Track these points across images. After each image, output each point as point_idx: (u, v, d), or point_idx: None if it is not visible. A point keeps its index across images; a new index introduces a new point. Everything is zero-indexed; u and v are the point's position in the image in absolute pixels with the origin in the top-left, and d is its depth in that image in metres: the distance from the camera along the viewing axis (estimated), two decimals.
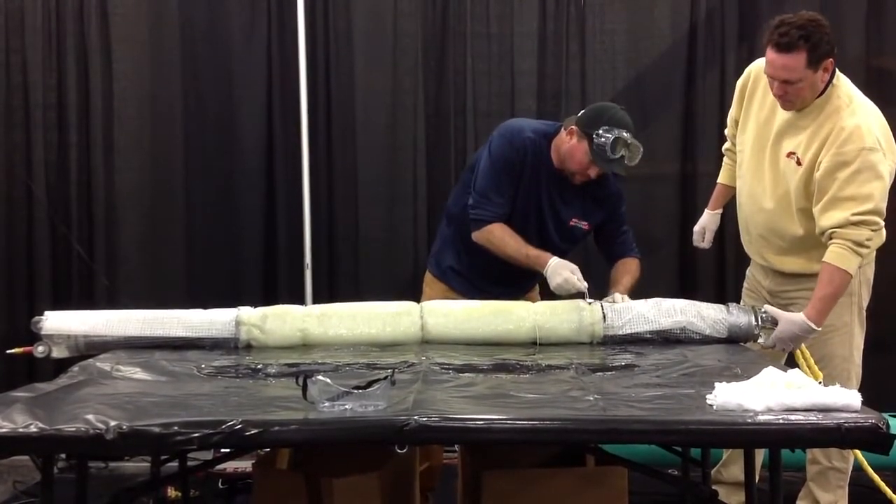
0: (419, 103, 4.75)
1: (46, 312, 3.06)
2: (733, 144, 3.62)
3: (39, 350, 3.01)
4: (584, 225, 3.56)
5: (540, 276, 3.63)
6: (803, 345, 3.22)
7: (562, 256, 3.47)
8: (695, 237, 3.78)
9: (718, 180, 3.76)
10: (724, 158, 3.73)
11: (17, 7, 4.78)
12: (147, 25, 4.80)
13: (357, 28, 4.77)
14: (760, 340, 3.12)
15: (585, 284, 3.31)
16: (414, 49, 4.76)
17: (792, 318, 3.15)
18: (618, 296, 3.34)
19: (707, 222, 3.74)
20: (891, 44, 4.67)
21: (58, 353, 3.01)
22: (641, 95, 4.75)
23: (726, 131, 3.69)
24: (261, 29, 4.77)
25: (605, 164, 3.36)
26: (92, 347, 3.00)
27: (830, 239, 3.15)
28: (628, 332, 3.08)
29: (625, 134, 3.32)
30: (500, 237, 3.44)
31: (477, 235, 3.48)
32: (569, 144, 3.40)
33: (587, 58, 4.74)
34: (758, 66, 3.39)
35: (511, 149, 3.45)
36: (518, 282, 3.60)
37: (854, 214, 3.11)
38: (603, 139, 3.31)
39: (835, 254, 3.13)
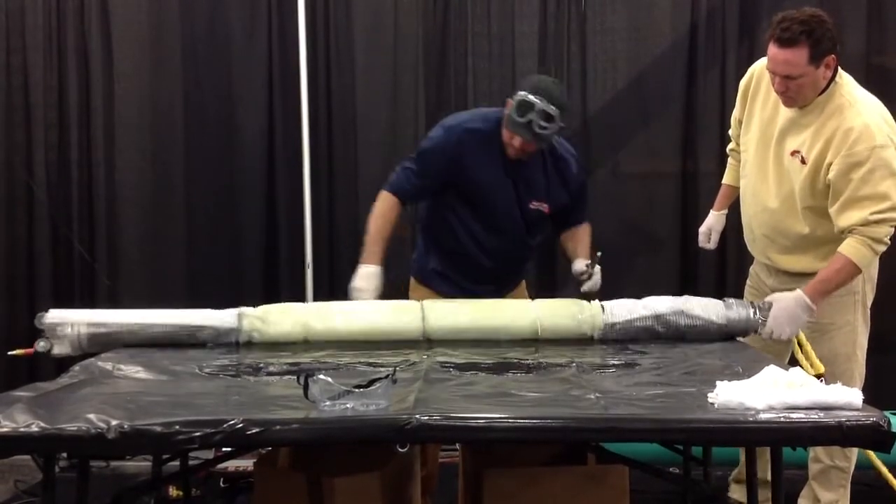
0: (420, 102, 4.75)
1: (50, 310, 3.05)
2: (737, 145, 3.61)
3: (41, 345, 2.99)
4: (544, 207, 3.48)
5: (525, 274, 3.63)
6: (804, 336, 3.19)
7: (530, 244, 3.52)
8: (700, 238, 3.78)
9: (723, 181, 3.76)
10: (729, 159, 3.73)
11: (18, 6, 4.78)
12: (148, 25, 4.81)
13: (358, 26, 4.78)
14: (761, 331, 3.11)
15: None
16: (415, 48, 4.76)
17: (787, 295, 3.15)
18: (582, 262, 3.42)
19: (713, 223, 3.74)
20: (891, 41, 4.67)
21: (59, 349, 2.99)
22: (642, 95, 4.76)
23: (730, 132, 3.68)
24: (261, 28, 4.77)
25: (513, 126, 3.27)
26: (94, 342, 2.98)
27: (849, 233, 3.16)
28: (627, 318, 3.08)
29: (533, 98, 3.22)
30: (377, 209, 3.42)
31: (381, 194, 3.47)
32: (504, 115, 3.36)
33: (588, 57, 4.73)
34: (761, 66, 3.38)
35: (443, 141, 3.41)
36: (503, 278, 3.59)
37: (873, 213, 3.11)
38: (515, 101, 3.26)
39: (852, 247, 3.14)
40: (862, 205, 3.12)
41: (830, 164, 3.16)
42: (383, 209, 3.44)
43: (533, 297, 3.59)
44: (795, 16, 3.10)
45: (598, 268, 3.40)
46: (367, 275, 3.33)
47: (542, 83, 3.34)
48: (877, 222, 3.12)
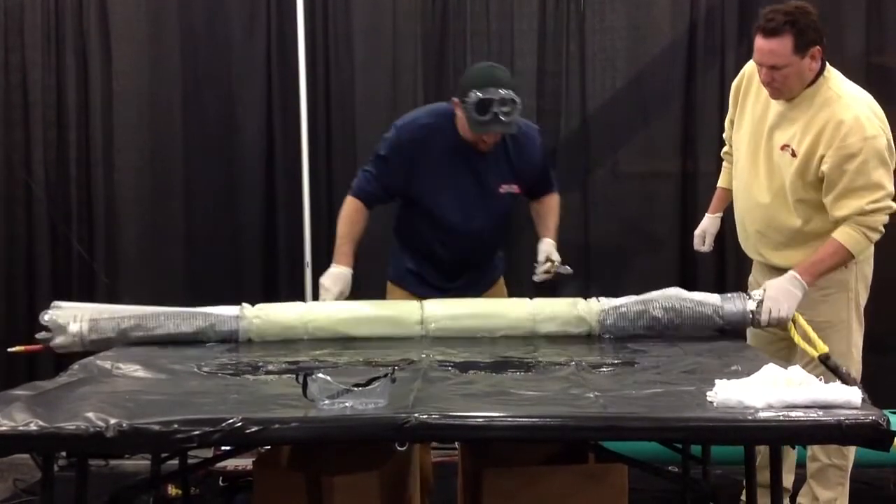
0: (419, 101, 4.73)
1: (55, 302, 3.07)
2: (731, 147, 3.63)
3: (42, 334, 3.01)
4: (514, 189, 3.47)
5: (502, 271, 3.66)
6: (802, 319, 3.17)
7: (500, 228, 3.51)
8: (695, 241, 3.80)
9: (718, 184, 3.78)
10: (724, 162, 3.75)
11: (17, 5, 4.78)
12: (146, 24, 4.81)
13: (356, 26, 4.78)
14: (759, 318, 3.09)
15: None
16: (413, 47, 4.76)
17: (779, 278, 3.18)
18: (548, 242, 3.44)
19: (707, 226, 3.76)
20: (891, 41, 4.67)
21: (61, 340, 3.00)
22: (641, 94, 4.76)
23: (724, 135, 3.71)
24: (260, 27, 4.77)
25: (480, 127, 3.25)
26: (94, 331, 2.99)
27: (845, 221, 3.20)
28: (623, 302, 3.10)
29: (486, 93, 3.20)
30: (346, 214, 3.49)
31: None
32: (458, 116, 3.35)
33: (587, 56, 4.74)
34: (752, 67, 3.42)
35: (397, 139, 3.42)
36: (477, 269, 3.57)
37: (869, 203, 3.16)
38: (470, 104, 3.23)
39: (847, 234, 3.18)
40: (858, 195, 3.17)
41: (822, 157, 3.20)
42: (349, 212, 3.48)
43: (532, 297, 3.59)
44: (780, 7, 3.17)
45: (553, 271, 3.42)
46: (335, 275, 3.36)
47: (484, 75, 3.30)
48: (872, 211, 3.17)
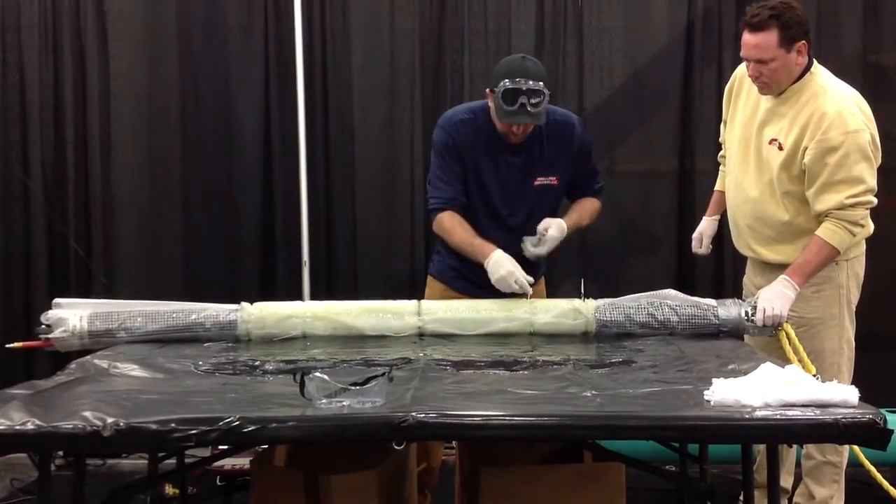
0: (416, 100, 4.75)
1: (56, 300, 3.10)
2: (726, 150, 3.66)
3: (42, 328, 3.05)
4: (552, 181, 3.46)
5: (543, 271, 3.62)
6: (796, 338, 3.19)
7: (534, 221, 3.45)
8: (693, 243, 3.82)
9: (716, 188, 3.80)
10: (720, 166, 3.77)
11: (14, 5, 4.78)
12: (144, 23, 4.80)
13: (354, 25, 4.77)
14: (753, 317, 3.11)
15: (528, 287, 3.25)
16: (411, 46, 4.76)
17: (770, 284, 3.20)
18: (547, 222, 3.37)
19: (705, 228, 3.78)
20: (888, 40, 4.68)
21: (59, 336, 3.02)
22: (638, 93, 4.76)
23: (720, 139, 3.73)
24: (258, 26, 4.77)
25: (508, 117, 3.27)
26: (93, 326, 3.02)
27: (826, 217, 3.23)
28: (620, 301, 3.13)
29: (514, 83, 3.22)
30: (450, 226, 3.42)
31: (434, 225, 3.49)
32: (492, 108, 3.36)
33: (584, 55, 4.74)
34: (743, 69, 3.45)
35: (444, 134, 3.43)
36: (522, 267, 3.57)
37: (849, 197, 3.20)
38: (499, 93, 3.25)
39: (829, 230, 3.22)
40: (838, 189, 3.20)
41: (806, 149, 3.23)
42: (450, 224, 3.41)
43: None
44: (765, 3, 3.22)
45: (550, 238, 3.37)
46: (498, 258, 3.28)
47: (514, 66, 3.31)
48: (853, 206, 3.21)
